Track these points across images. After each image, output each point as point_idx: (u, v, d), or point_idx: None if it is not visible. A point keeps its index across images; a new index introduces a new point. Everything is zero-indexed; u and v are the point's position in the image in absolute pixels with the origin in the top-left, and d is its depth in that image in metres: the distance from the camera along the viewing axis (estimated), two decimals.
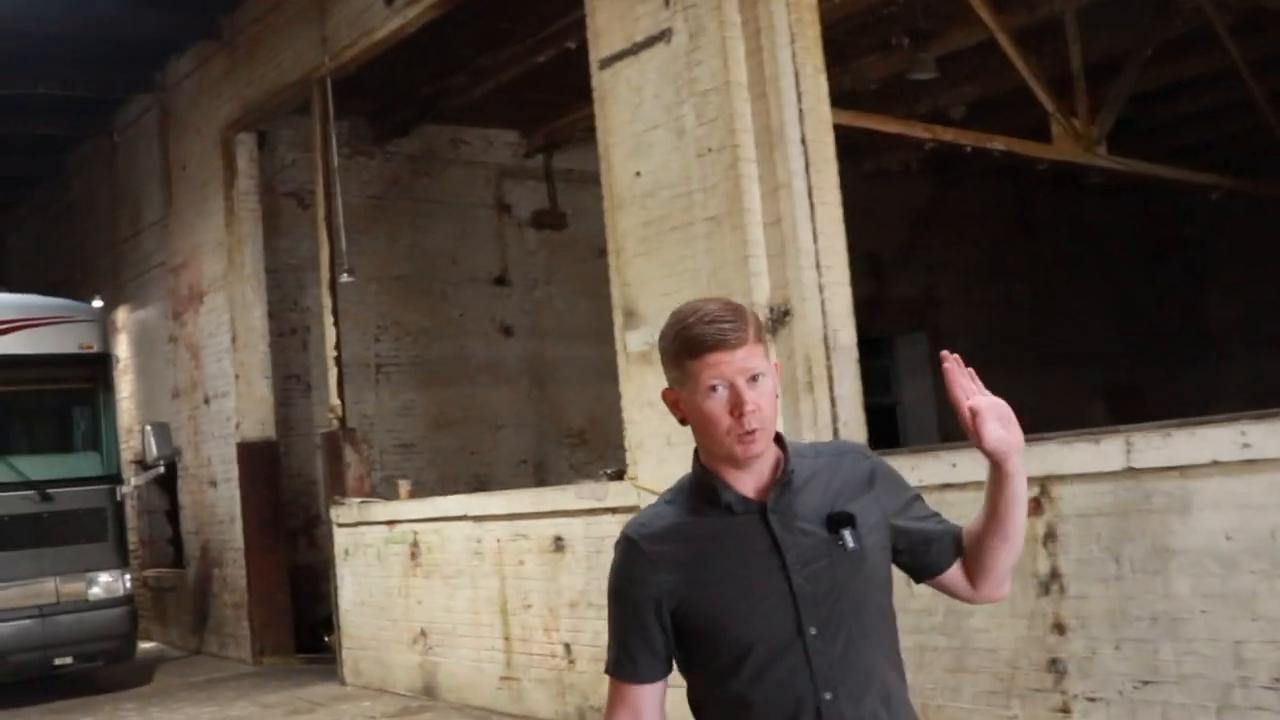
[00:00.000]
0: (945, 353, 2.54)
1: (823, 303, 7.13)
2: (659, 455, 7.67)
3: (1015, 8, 10.78)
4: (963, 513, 6.11)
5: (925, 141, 9.16)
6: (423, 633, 9.95)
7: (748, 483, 2.45)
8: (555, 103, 14.29)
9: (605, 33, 7.99)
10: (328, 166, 11.13)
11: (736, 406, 2.36)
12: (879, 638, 2.49)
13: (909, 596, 6.62)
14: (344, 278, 10.96)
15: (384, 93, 13.00)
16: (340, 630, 10.89)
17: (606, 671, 2.53)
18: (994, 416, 2.48)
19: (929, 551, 2.61)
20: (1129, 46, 11.29)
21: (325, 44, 10.82)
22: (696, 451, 2.52)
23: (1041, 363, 19.75)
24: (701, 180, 7.37)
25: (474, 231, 14.77)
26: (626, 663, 2.48)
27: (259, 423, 12.43)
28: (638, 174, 7.78)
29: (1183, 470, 5.50)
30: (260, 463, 12.36)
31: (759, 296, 7.12)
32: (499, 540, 9.16)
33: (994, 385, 2.59)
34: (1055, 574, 5.97)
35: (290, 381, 13.17)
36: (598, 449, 15.34)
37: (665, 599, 2.43)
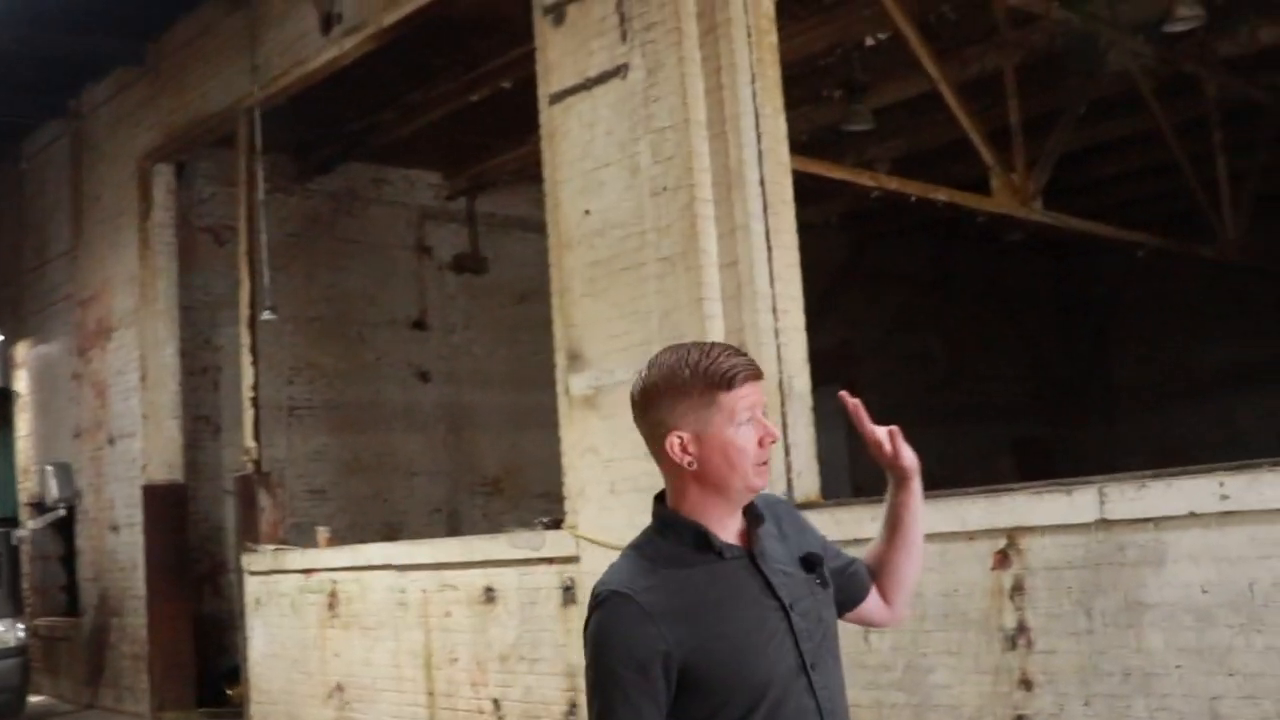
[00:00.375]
0: (844, 394, 2.73)
1: (779, 348, 6.95)
2: (601, 503, 7.41)
3: (952, 62, 10.81)
4: (925, 565, 5.97)
5: (871, 190, 9.08)
6: (339, 687, 9.52)
7: (729, 529, 2.49)
8: (480, 145, 14.07)
9: (557, 67, 7.79)
10: (251, 200, 10.78)
11: (767, 435, 2.47)
12: (841, 668, 2.61)
13: (865, 651, 6.45)
14: (266, 315, 10.58)
15: (309, 128, 12.66)
16: (249, 683, 10.40)
17: None
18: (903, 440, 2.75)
19: (851, 585, 2.75)
20: (1060, 105, 11.38)
21: (256, 72, 10.49)
22: (665, 502, 2.55)
23: (954, 417, 19.90)
24: (655, 220, 7.17)
25: (393, 273, 14.45)
26: None
27: (166, 465, 11.92)
28: (587, 212, 7.57)
29: (1158, 522, 5.38)
30: (167, 507, 11.83)
31: (713, 340, 6.91)
32: (424, 590, 8.80)
33: (907, 438, 2.81)
34: (1022, 628, 5.81)
35: (199, 423, 12.68)
36: (513, 498, 15.06)
37: (675, 652, 2.35)
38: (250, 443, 10.66)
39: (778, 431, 2.53)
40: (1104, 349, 22.88)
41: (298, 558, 10.03)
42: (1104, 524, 5.53)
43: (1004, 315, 21.53)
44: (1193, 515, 5.27)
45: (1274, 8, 11.67)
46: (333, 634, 9.57)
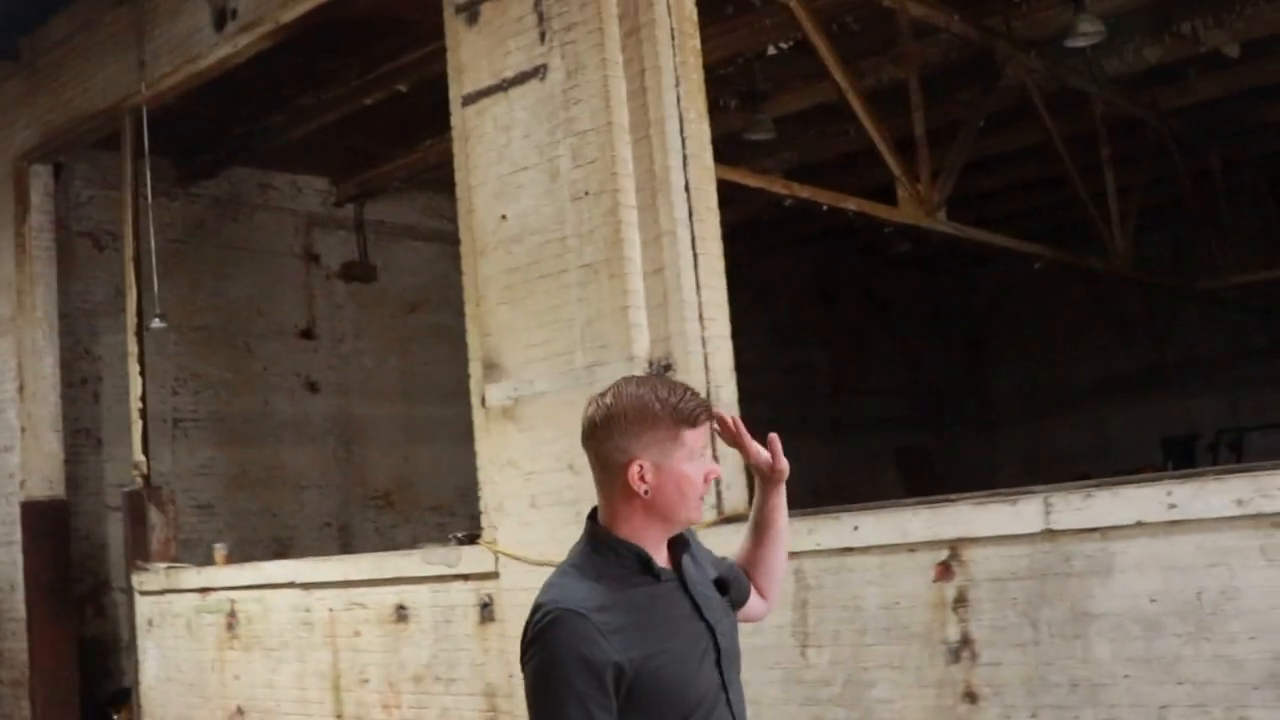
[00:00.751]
0: (719, 412, 2.89)
1: (706, 357, 6.80)
2: (521, 518, 7.17)
3: (852, 73, 10.81)
4: (865, 578, 5.87)
5: (784, 198, 9.00)
6: (239, 711, 9.13)
7: (662, 553, 2.68)
8: (370, 150, 13.74)
9: (470, 68, 7.55)
10: (137, 203, 10.32)
11: (711, 471, 2.69)
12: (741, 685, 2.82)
13: (803, 666, 6.33)
14: (155, 323, 10.13)
15: (193, 130, 12.18)
16: (141, 709, 9.93)
17: None
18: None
19: (739, 590, 2.96)
20: (959, 117, 11.47)
21: (143, 69, 10.04)
22: (593, 518, 2.72)
23: (838, 428, 20.07)
24: (577, 225, 6.97)
25: (280, 281, 14.02)
26: None
27: (47, 480, 11.34)
28: (504, 217, 7.33)
29: (1104, 532, 5.35)
30: (47, 524, 11.25)
31: (639, 349, 6.75)
32: (331, 609, 8.47)
33: (793, 450, 3.07)
34: (966, 640, 5.74)
35: (79, 436, 12.12)
36: (404, 512, 14.75)
37: (626, 667, 2.49)
38: (139, 456, 10.19)
39: (720, 469, 2.82)
40: (981, 360, 23.29)
41: (193, 576, 9.59)
42: (1049, 534, 5.49)
43: (884, 327, 21.78)
44: (1140, 524, 5.26)
45: (1158, 28, 11.94)
46: (233, 655, 9.17)
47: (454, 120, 7.70)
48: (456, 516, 13.91)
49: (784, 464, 3.00)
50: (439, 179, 14.67)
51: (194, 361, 13.09)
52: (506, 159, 7.31)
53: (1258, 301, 16.65)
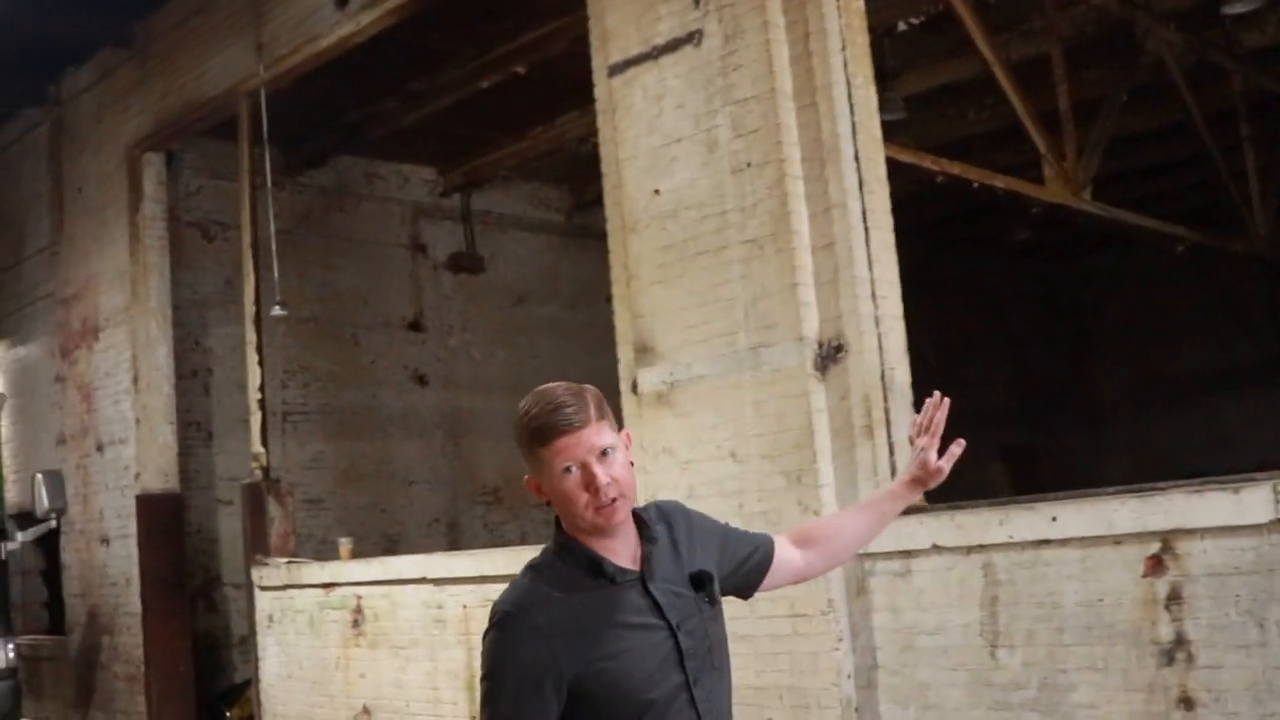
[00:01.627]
0: (938, 395, 3.06)
1: (879, 337, 6.39)
2: None
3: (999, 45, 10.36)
4: (1064, 573, 5.43)
5: (935, 174, 8.56)
6: (365, 710, 8.84)
7: (621, 553, 2.66)
8: (478, 139, 13.47)
9: (617, 35, 7.19)
10: (254, 188, 10.07)
11: (590, 483, 2.57)
12: (729, 679, 2.81)
13: (993, 668, 5.89)
14: (276, 310, 9.89)
15: (301, 118, 11.94)
16: (261, 707, 9.68)
17: None
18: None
19: (758, 568, 2.97)
20: (1099, 94, 10.96)
21: (261, 51, 9.77)
22: (561, 528, 2.69)
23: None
24: (739, 199, 6.58)
25: (387, 272, 13.78)
26: None
27: (161, 473, 11.13)
28: (656, 192, 6.96)
29: None
30: (162, 517, 11.04)
31: (808, 329, 6.35)
32: (465, 606, 8.14)
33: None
34: (1181, 640, 5.27)
35: (190, 429, 11.92)
36: (513, 508, 14.47)
37: (566, 670, 2.52)
38: (258, 448, 9.96)
39: (606, 477, 2.58)
40: (1088, 353, 22.64)
41: (316, 571, 9.32)
42: (1279, 525, 5.02)
43: (992, 321, 21.21)
44: None
45: None
46: (358, 653, 8.88)
47: (598, 91, 7.35)
48: None
49: (943, 475, 3.06)
50: (547, 167, 14.44)
51: (302, 354, 12.87)
52: (658, 130, 6.94)
53: None
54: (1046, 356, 22.40)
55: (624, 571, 2.64)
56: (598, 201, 15.49)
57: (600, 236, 15.70)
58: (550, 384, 2.70)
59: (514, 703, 2.52)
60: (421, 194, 14.15)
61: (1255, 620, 5.09)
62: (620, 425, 2.74)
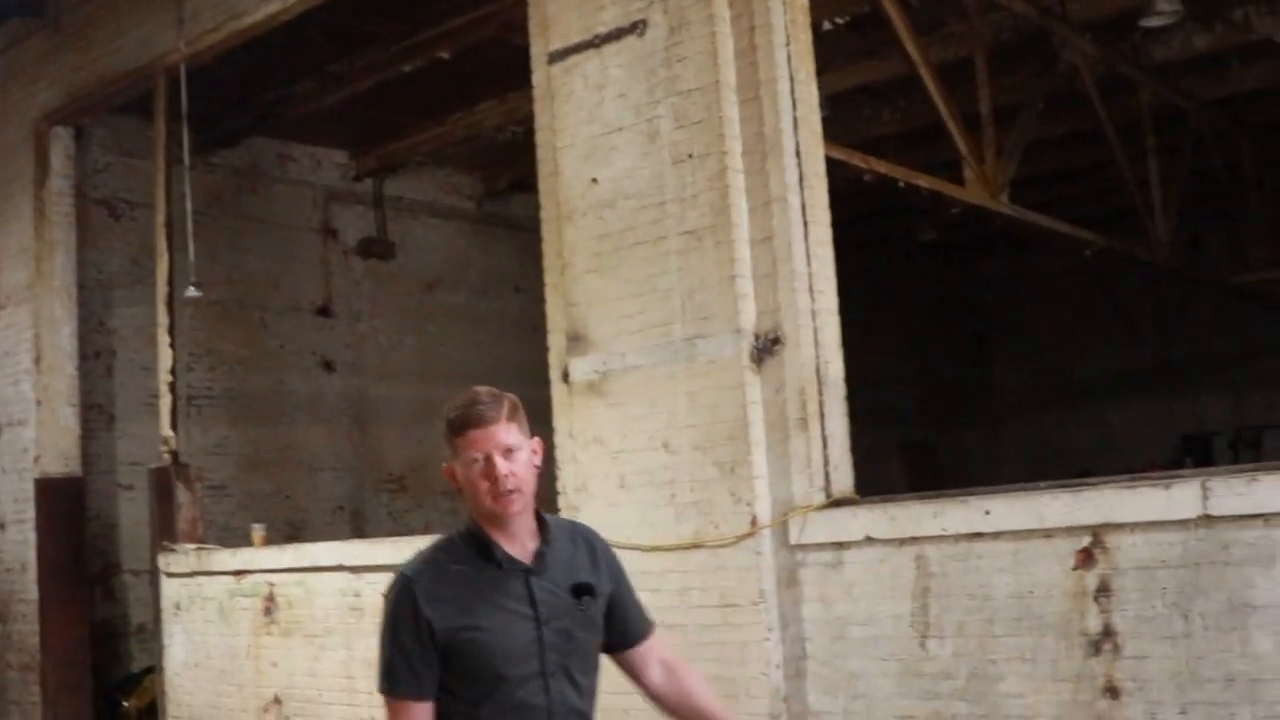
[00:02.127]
0: None
1: (815, 331, 6.45)
2: (609, 499, 6.79)
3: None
4: (996, 566, 5.53)
5: (863, 172, 8.65)
6: (277, 700, 8.70)
7: (514, 546, 3.05)
8: (394, 123, 13.31)
9: (558, 22, 7.15)
10: (170, 166, 9.84)
11: (491, 474, 2.98)
12: (591, 686, 3.14)
13: (924, 658, 5.98)
14: (191, 291, 9.69)
15: (215, 96, 11.67)
16: (165, 697, 9.48)
17: (387, 692, 3.01)
18: None
19: (625, 632, 3.27)
20: (1016, 99, 11.15)
21: (182, 26, 9.55)
22: (470, 514, 3.08)
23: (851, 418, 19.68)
24: (679, 190, 6.60)
25: (298, 256, 13.57)
26: (411, 683, 2.97)
27: (62, 456, 10.84)
28: (594, 181, 6.94)
29: (1268, 518, 5.03)
30: (62, 502, 10.75)
31: (745, 321, 6.39)
32: (384, 595, 8.04)
33: None
34: (1109, 632, 5.41)
35: (91, 412, 11.61)
36: (417, 497, 14.35)
37: (440, 631, 2.95)
38: (167, 431, 9.76)
39: (506, 470, 2.99)
40: (987, 354, 23.10)
41: (227, 558, 9.15)
42: (1206, 520, 5.16)
43: (893, 319, 21.49)
44: None
45: (1210, 15, 11.68)
46: (270, 642, 8.74)
47: (536, 78, 7.30)
48: None
49: None
50: (461, 154, 14.32)
51: (209, 337, 12.62)
52: (598, 119, 6.92)
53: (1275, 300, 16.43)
54: (947, 356, 22.80)
55: (512, 560, 3.04)
56: (511, 190, 15.53)
57: (511, 225, 15.77)
58: (478, 386, 3.14)
59: (401, 649, 2.96)
60: (334, 178, 13.95)
61: (1181, 612, 5.23)
62: (548, 421, 3.13)
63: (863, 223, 17.11)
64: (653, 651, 3.33)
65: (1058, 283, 21.30)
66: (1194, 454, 17.06)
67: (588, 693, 3.13)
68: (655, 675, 3.31)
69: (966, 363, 23.00)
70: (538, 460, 3.12)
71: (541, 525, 3.12)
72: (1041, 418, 22.18)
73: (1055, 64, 11.03)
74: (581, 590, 3.10)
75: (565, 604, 3.06)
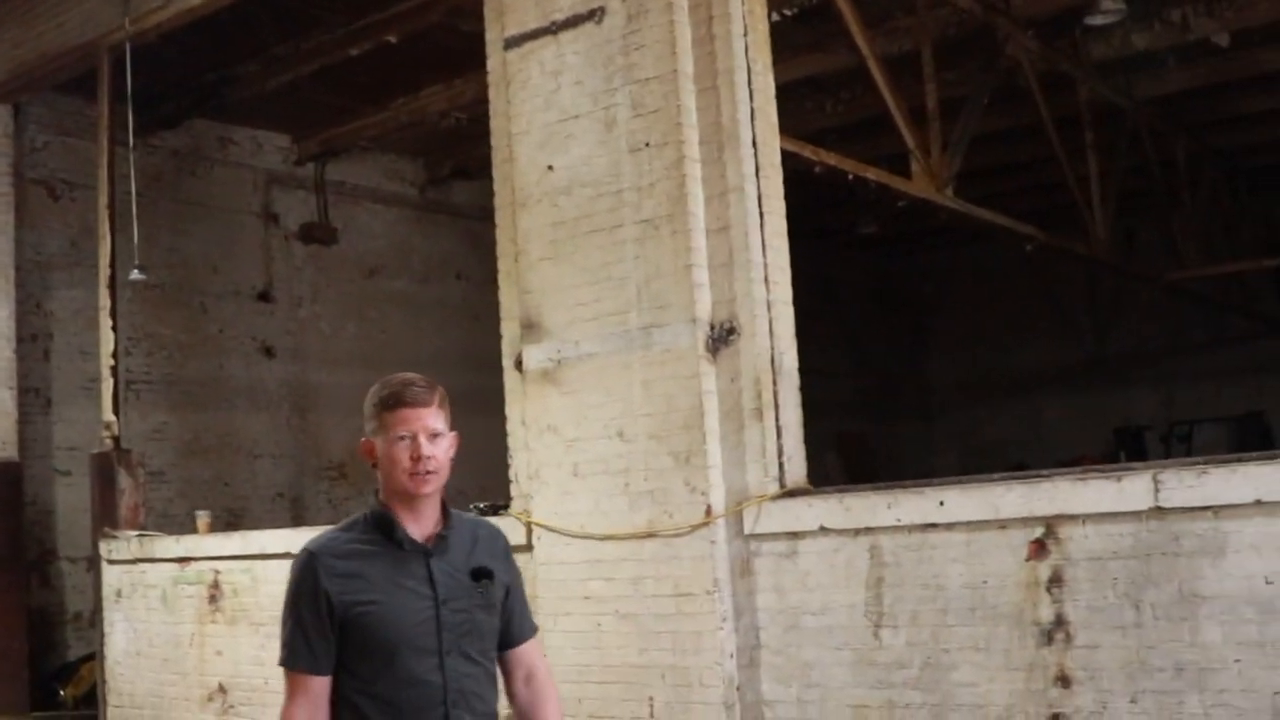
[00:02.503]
0: None
1: (770, 321, 6.48)
2: (563, 487, 6.78)
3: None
4: (950, 556, 5.58)
5: (813, 165, 8.69)
6: (221, 689, 8.61)
7: (418, 527, 3.14)
8: (338, 107, 13.18)
9: (515, 8, 7.11)
10: (113, 146, 9.68)
11: (415, 453, 3.08)
12: (488, 669, 3.22)
13: (877, 648, 6.03)
14: (135, 274, 9.54)
15: (157, 76, 11.49)
16: (106, 685, 9.34)
17: (287, 666, 3.12)
18: None
19: (508, 632, 3.33)
20: (958, 93, 11.25)
21: (127, 4, 9.39)
22: (378, 494, 3.19)
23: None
24: (635, 178, 6.59)
25: (238, 241, 13.42)
26: (308, 657, 3.07)
27: None
28: (550, 168, 6.92)
29: (1218, 510, 5.13)
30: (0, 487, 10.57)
31: (701, 311, 6.40)
32: None
33: None
34: (1061, 621, 5.49)
35: (28, 395, 11.42)
36: (357, 484, 14.23)
37: (338, 606, 3.03)
38: (109, 416, 9.60)
39: (429, 452, 3.10)
40: (923, 346, 23.31)
41: (171, 545, 9.02)
42: (1158, 512, 5.25)
43: (830, 310, 21.62)
44: (1259, 504, 5.04)
45: (1149, 15, 11.85)
46: (215, 630, 8.64)
47: (491, 64, 7.27)
48: None
49: None
50: (404, 140, 14.22)
51: (148, 321, 12.45)
52: (555, 106, 6.89)
53: (1219, 297, 16.72)
54: (883, 348, 22.98)
55: (413, 542, 3.13)
56: (453, 176, 15.44)
57: (453, 213, 15.68)
58: (408, 372, 3.25)
59: (300, 624, 3.07)
60: (275, 161, 13.81)
61: (1131, 602, 5.32)
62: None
63: (802, 214, 17.15)
64: (525, 659, 3.39)
65: (995, 277, 21.55)
66: (1126, 448, 17.33)
67: (488, 674, 3.21)
68: (519, 683, 3.39)
69: (903, 355, 23.19)
70: (453, 453, 3.22)
71: (445, 514, 3.20)
72: (976, 410, 22.43)
73: (998, 59, 11.13)
74: (481, 574, 3.18)
75: (464, 586, 3.14)
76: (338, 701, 3.10)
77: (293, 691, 3.10)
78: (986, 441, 21.74)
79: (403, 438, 3.08)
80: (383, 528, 3.14)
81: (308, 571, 3.08)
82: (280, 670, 3.19)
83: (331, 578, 3.04)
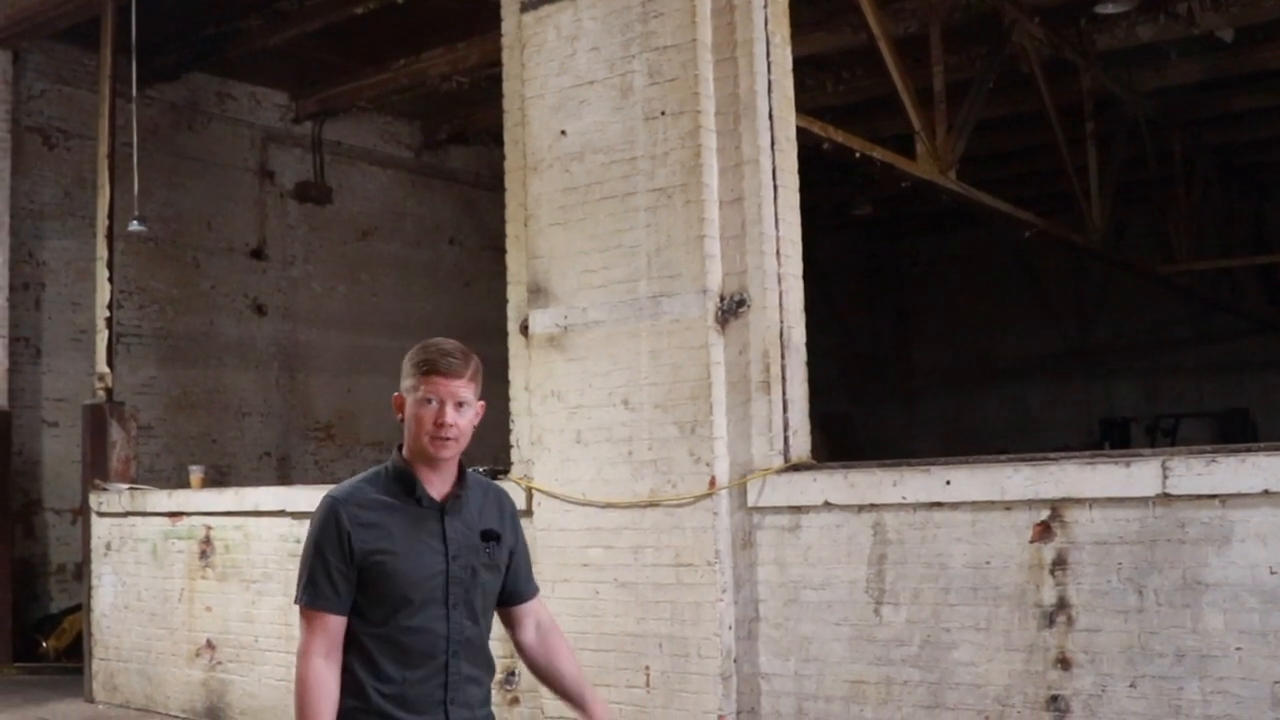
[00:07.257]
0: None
1: (781, 295, 6.47)
2: (564, 454, 6.77)
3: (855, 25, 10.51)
4: (954, 535, 5.59)
5: (821, 141, 8.67)
6: (209, 644, 8.58)
7: (435, 486, 3.29)
8: (338, 66, 13.08)
9: None
10: (114, 96, 9.58)
11: (439, 418, 3.22)
12: (488, 624, 3.40)
13: (877, 624, 6.05)
14: (134, 225, 9.45)
15: (158, 28, 11.37)
16: (92, 639, 9.30)
17: (308, 604, 3.19)
18: None
19: (513, 589, 3.50)
20: (962, 77, 11.25)
21: None
22: (400, 449, 3.31)
23: None
24: (650, 146, 6.56)
25: (233, 197, 13.32)
26: (332, 597, 3.18)
27: None
28: (563, 133, 6.87)
29: (1225, 499, 5.15)
30: None
31: (712, 281, 6.38)
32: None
33: None
34: (1063, 604, 5.50)
35: (18, 345, 11.32)
36: (344, 446, 14.23)
37: (358, 552, 3.17)
38: (103, 368, 9.53)
39: (451, 419, 3.22)
40: (908, 330, 23.34)
41: (163, 499, 8.97)
42: (1165, 498, 5.27)
43: (817, 289, 21.56)
44: (1267, 493, 5.06)
45: (1155, 6, 11.85)
46: (205, 585, 8.60)
47: (506, 26, 7.22)
48: None
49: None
50: (402, 102, 14.12)
51: (140, 275, 12.36)
52: (570, 71, 6.85)
53: (1207, 292, 16.78)
54: (869, 329, 23.02)
55: (431, 500, 3.27)
56: (450, 140, 15.36)
57: (448, 177, 15.59)
58: (451, 340, 3.37)
59: (324, 564, 3.17)
60: (273, 118, 13.69)
61: (1135, 587, 5.34)
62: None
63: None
64: (531, 610, 3.55)
65: (981, 264, 21.60)
66: (1111, 439, 17.41)
67: (485, 629, 3.37)
68: (529, 633, 3.55)
69: (887, 338, 23.23)
70: (477, 422, 3.34)
71: (461, 475, 3.34)
72: (958, 395, 22.48)
73: (1005, 45, 11.12)
74: (489, 535, 3.34)
75: (474, 545, 3.30)
76: (348, 642, 3.21)
77: (311, 629, 3.20)
78: (967, 427, 21.81)
79: (429, 401, 3.21)
80: (404, 483, 3.26)
81: (332, 516, 3.20)
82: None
83: (355, 525, 3.17)
